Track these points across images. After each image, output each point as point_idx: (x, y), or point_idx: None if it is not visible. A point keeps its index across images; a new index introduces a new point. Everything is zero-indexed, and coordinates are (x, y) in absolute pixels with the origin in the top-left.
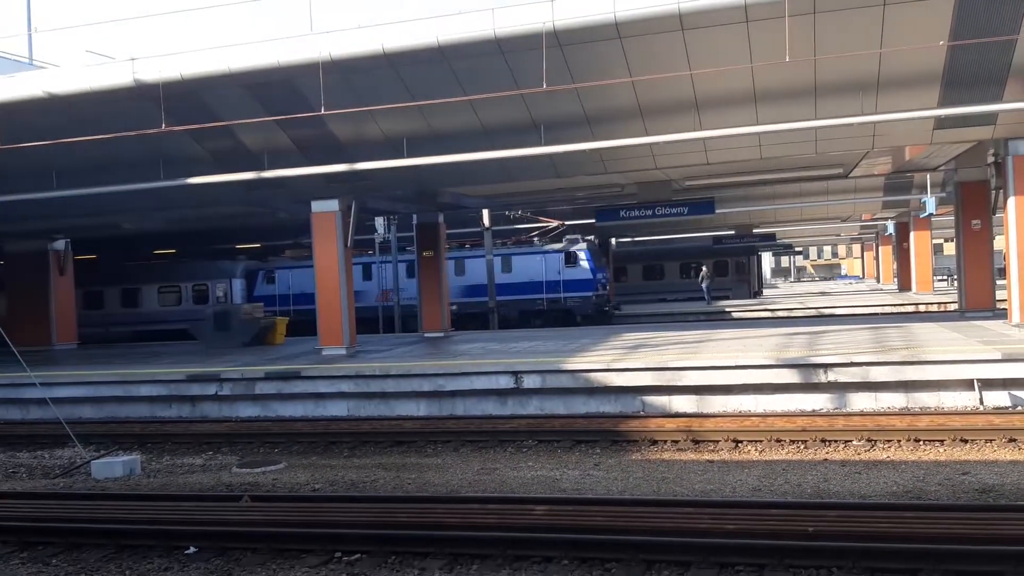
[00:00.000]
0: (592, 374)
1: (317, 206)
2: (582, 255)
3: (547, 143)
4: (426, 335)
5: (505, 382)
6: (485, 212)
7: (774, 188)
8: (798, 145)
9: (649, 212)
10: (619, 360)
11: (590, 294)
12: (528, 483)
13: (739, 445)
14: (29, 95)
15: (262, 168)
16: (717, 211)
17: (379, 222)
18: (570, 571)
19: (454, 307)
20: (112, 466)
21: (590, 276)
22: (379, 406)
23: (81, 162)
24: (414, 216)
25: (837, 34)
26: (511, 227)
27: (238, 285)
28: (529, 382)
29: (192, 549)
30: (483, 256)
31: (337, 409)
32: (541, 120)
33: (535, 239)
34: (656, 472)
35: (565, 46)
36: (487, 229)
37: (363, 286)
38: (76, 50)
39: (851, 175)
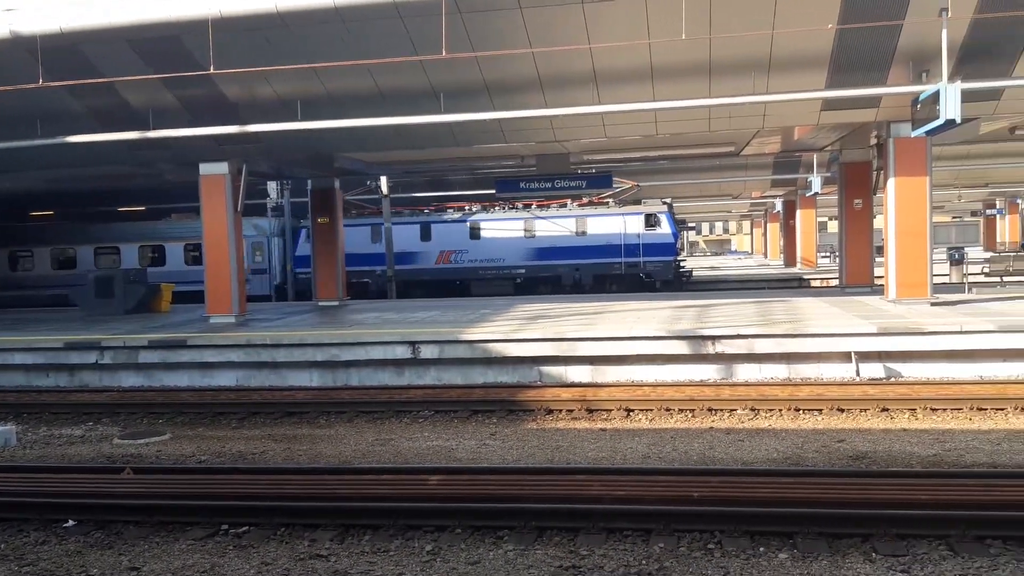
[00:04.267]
0: (491, 344)
1: (206, 168)
2: (663, 217)
3: (447, 111)
4: (320, 303)
5: (402, 352)
6: (383, 179)
7: (670, 164)
8: (693, 122)
9: (548, 184)
10: (518, 331)
11: (671, 259)
12: (423, 453)
13: (631, 414)
14: None
15: (147, 128)
16: (614, 185)
17: (272, 186)
18: (463, 539)
19: (522, 270)
20: None
21: (671, 240)
22: (270, 376)
23: None
24: (308, 181)
25: (732, 14)
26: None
27: (276, 244)
28: (427, 352)
29: (71, 522)
30: (556, 217)
31: (225, 379)
32: (441, 87)
33: (609, 201)
34: (551, 441)
35: (465, 13)
36: (386, 197)
37: (421, 247)
38: None
39: (742, 153)
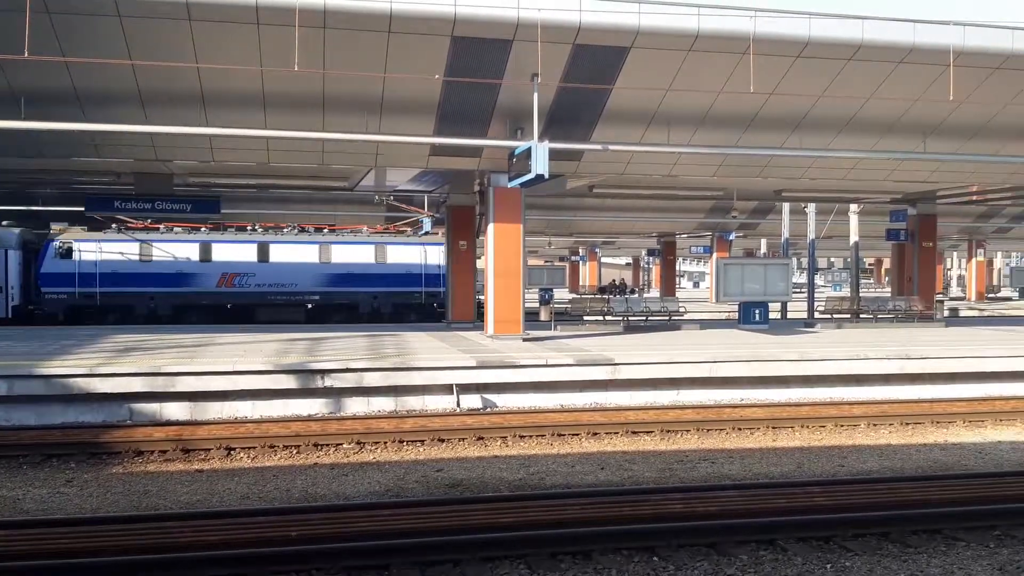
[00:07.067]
0: (72, 380)
1: None
2: None
3: (28, 118)
4: None
5: None
6: None
7: (285, 193)
8: (305, 154)
9: (148, 205)
10: (105, 364)
11: None
12: None
13: (232, 453)
14: None
15: None
16: (224, 211)
17: None
18: None
19: (315, 296)
20: None
21: None
22: None
23: None
24: None
25: (344, 52)
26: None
27: (14, 258)
28: None
29: None
30: (355, 243)
31: None
32: (22, 91)
33: (408, 229)
34: (139, 486)
35: (54, 13)
36: None
37: (199, 268)
38: None
39: (356, 189)
